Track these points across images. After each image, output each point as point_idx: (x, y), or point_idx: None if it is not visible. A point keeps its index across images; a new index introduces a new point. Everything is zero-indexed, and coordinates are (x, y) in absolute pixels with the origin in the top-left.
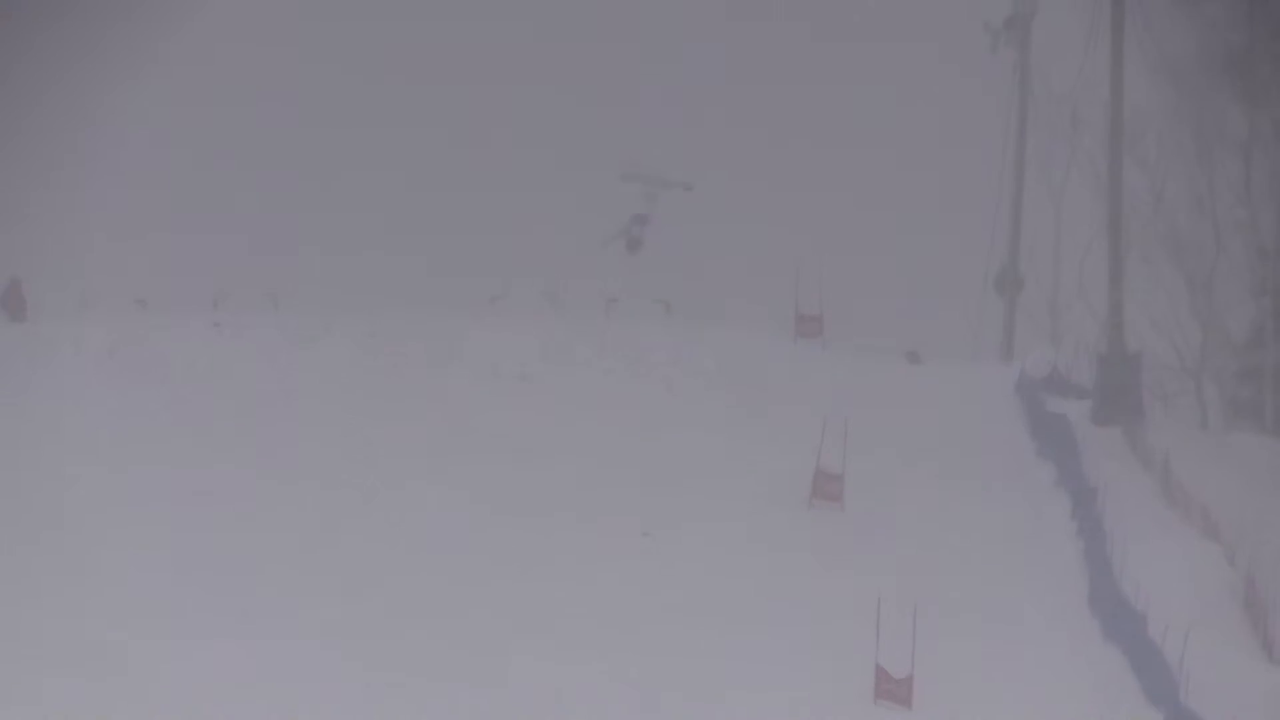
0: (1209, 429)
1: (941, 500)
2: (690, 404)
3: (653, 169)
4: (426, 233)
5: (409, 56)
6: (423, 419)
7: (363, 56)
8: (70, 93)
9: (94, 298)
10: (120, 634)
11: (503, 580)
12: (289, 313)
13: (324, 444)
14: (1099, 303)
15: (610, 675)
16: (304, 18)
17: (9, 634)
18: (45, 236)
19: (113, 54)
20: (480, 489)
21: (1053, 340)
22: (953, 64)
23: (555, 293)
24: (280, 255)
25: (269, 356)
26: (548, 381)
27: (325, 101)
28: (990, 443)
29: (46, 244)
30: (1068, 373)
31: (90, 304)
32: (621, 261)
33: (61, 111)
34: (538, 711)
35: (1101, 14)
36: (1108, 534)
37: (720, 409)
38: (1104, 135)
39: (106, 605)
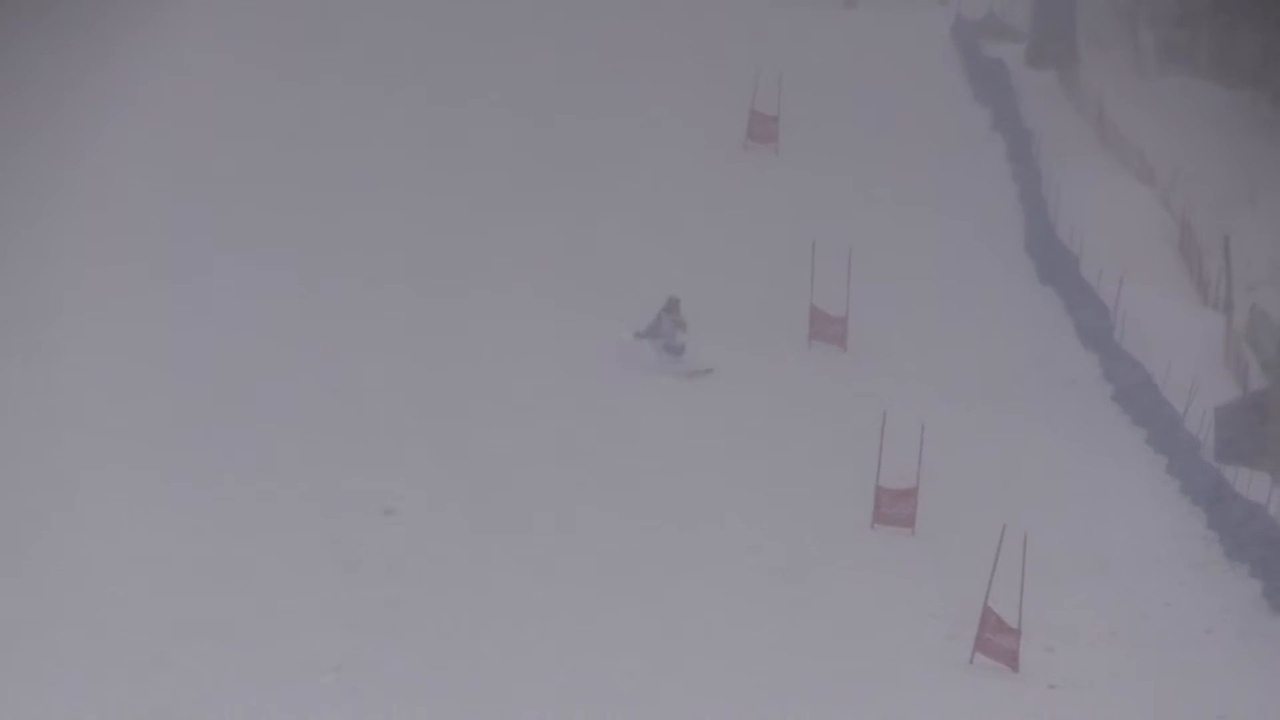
0: (1144, 73)
1: (877, 143)
2: (629, 56)
3: None
4: None
5: None
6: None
7: None
8: None
9: None
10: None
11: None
12: None
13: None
14: None
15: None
16: None
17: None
18: None
19: None
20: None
21: None
22: None
23: None
24: None
25: None
26: None
27: None
28: (927, 86)
29: None
30: (1003, 16)
31: None
32: None
33: None
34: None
35: None
36: (1043, 177)
37: (657, 60)
38: None
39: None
